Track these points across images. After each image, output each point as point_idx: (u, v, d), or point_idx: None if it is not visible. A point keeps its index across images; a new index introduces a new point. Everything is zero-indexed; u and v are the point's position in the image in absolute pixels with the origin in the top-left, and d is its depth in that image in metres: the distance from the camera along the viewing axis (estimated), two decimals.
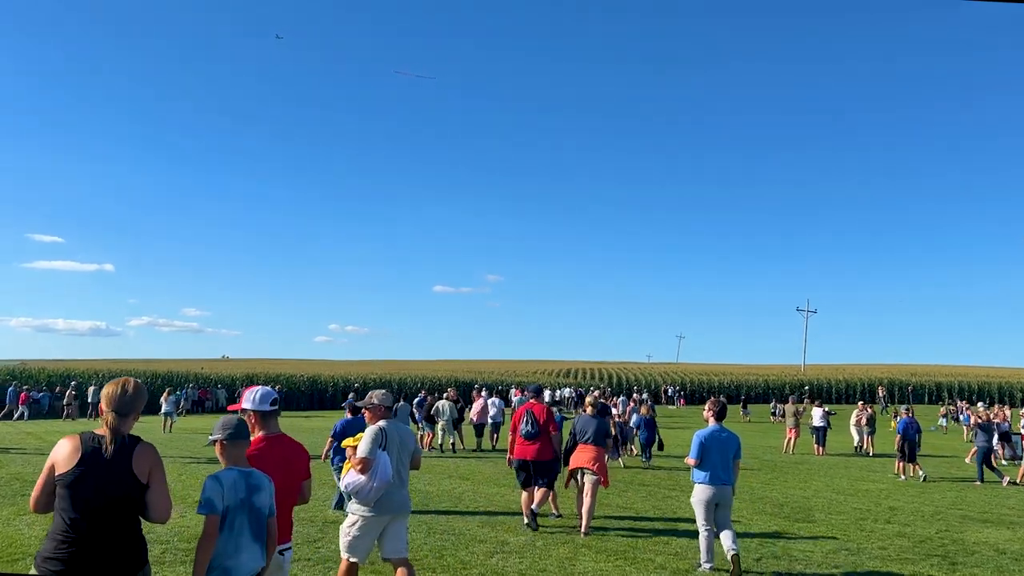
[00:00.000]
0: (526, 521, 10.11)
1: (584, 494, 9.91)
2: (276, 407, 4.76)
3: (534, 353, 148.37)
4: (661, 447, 19.23)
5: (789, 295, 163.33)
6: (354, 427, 10.71)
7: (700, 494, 8.14)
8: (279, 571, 4.61)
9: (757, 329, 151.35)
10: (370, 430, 6.06)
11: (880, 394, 58.51)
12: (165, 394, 29.37)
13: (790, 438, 23.83)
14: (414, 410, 23.06)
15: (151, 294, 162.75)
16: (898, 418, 19.04)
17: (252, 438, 4.48)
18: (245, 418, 4.54)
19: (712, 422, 8.24)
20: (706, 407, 8.35)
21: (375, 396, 6.24)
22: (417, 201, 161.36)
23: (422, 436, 21.55)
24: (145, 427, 29.39)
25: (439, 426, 21.19)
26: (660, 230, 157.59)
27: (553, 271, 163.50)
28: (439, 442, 21.24)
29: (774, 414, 42.55)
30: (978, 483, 16.48)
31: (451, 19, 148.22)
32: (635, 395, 46.09)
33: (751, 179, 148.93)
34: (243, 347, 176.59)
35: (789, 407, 25.11)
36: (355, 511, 6.04)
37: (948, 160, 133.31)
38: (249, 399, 4.72)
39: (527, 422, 10.18)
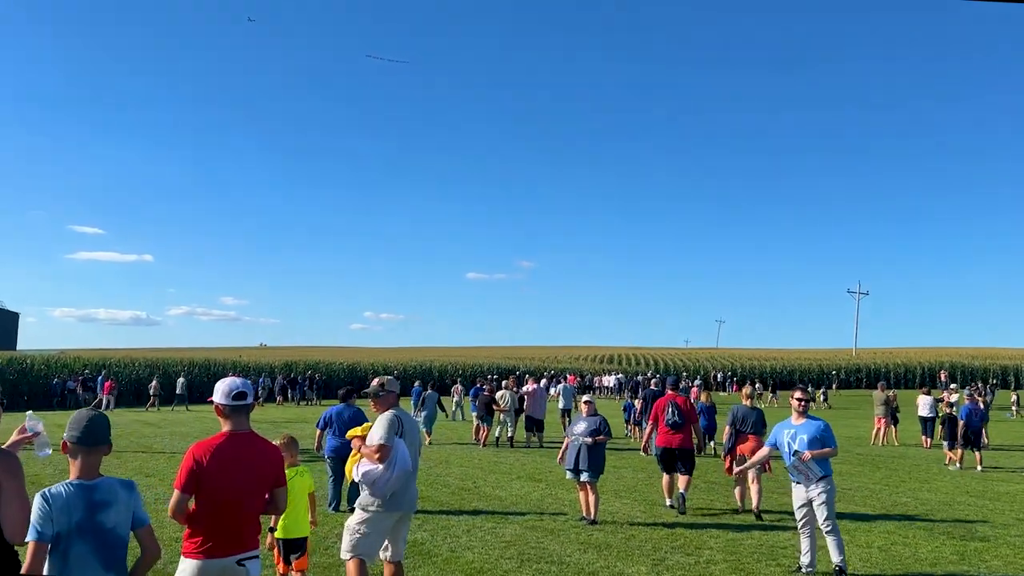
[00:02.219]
0: (668, 503, 10.88)
1: (751, 482, 10.47)
2: (244, 401, 4.16)
3: (570, 339, 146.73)
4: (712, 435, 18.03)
5: (833, 278, 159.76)
6: (343, 416, 10.47)
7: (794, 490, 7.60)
8: None
9: (800, 313, 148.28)
10: (384, 417, 5.74)
11: (941, 378, 55.74)
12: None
13: (879, 428, 21.61)
14: (463, 400, 21.28)
15: (190, 284, 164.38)
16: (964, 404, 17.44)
17: (217, 433, 4.11)
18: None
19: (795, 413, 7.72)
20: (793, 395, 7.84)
21: (384, 382, 5.88)
22: (448, 189, 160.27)
23: (477, 428, 19.77)
24: (198, 415, 28.57)
25: (497, 418, 19.37)
26: (697, 215, 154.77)
27: (586, 257, 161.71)
28: (496, 435, 19.40)
29: (813, 400, 40.51)
30: None
31: (480, 10, 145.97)
32: (688, 382, 44.73)
33: (789, 167, 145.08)
34: (280, 335, 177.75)
35: (878, 394, 22.70)
36: (366, 506, 5.66)
37: (1006, 138, 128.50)
38: (216, 391, 4.19)
39: (672, 412, 10.67)
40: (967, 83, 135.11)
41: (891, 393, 24.57)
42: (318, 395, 42.18)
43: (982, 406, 22.10)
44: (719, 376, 59.72)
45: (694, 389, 24.01)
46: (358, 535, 5.64)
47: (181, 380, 36.87)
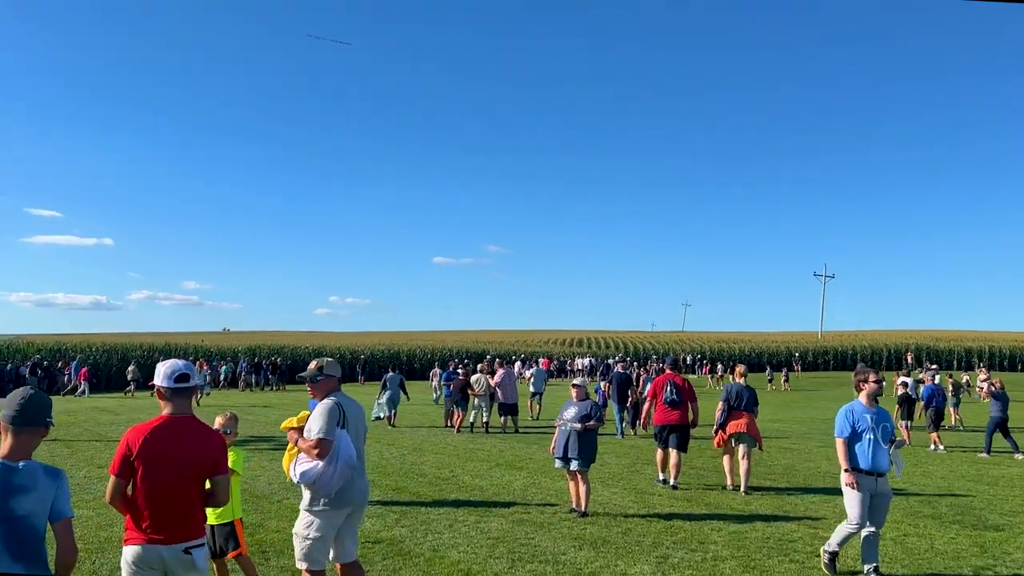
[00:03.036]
0: (661, 477, 11.12)
1: (740, 457, 10.62)
2: (187, 384, 4.00)
3: (538, 323, 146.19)
4: None
5: (799, 261, 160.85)
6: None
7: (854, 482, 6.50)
8: (192, 570, 3.88)
9: (766, 297, 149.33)
10: (324, 405, 5.08)
11: (908, 360, 56.17)
12: (197, 365, 27.80)
13: None
14: (440, 384, 20.59)
15: (151, 268, 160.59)
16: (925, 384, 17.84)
17: (155, 416, 3.95)
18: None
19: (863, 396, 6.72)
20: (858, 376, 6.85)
21: (323, 365, 5.25)
22: (414, 173, 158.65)
23: (449, 413, 19.07)
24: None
25: (472, 403, 18.65)
26: (661, 198, 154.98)
27: (553, 241, 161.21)
28: (471, 420, 18.68)
29: (771, 381, 42.51)
30: (984, 455, 14.92)
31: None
32: (661, 364, 44.60)
33: (757, 146, 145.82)
34: (244, 320, 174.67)
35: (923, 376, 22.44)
36: (311, 506, 5.04)
37: (972, 122, 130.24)
38: (158, 373, 4.02)
39: (671, 391, 11.08)
40: (931, 61, 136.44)
41: (940, 376, 24.26)
42: (282, 380, 41.15)
43: (950, 388, 21.94)
44: (688, 359, 59.62)
45: (644, 372, 23.50)
46: (309, 541, 5.05)
47: (132, 367, 35.73)
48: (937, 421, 16.48)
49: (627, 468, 12.76)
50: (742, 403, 10.71)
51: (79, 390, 33.82)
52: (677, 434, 10.92)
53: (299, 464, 5.06)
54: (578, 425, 8.99)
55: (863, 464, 6.44)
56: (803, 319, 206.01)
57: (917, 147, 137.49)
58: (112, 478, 3.82)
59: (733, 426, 10.63)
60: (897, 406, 17.42)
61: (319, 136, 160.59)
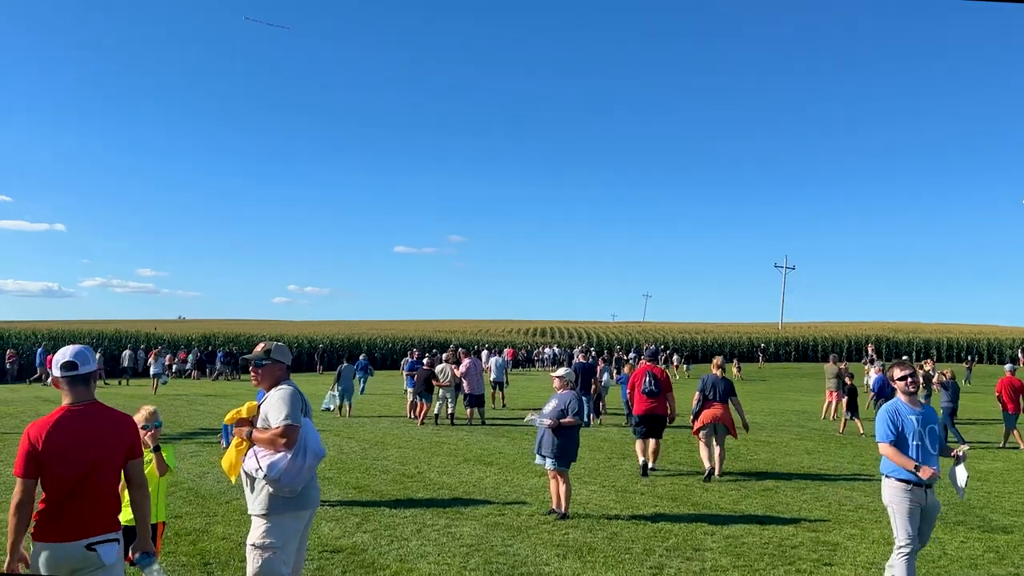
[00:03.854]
0: (641, 460, 11.18)
1: (715, 444, 10.97)
2: (75, 372, 3.68)
3: (500, 313, 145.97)
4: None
5: (761, 252, 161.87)
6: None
7: (901, 495, 5.42)
8: (100, 569, 3.58)
9: (726, 288, 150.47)
10: (284, 391, 4.50)
11: (869, 351, 56.56)
12: (152, 354, 27.16)
13: (830, 401, 20.85)
14: (405, 374, 19.78)
15: (105, 254, 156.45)
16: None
17: (55, 409, 3.70)
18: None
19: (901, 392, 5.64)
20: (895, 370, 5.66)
21: (271, 348, 4.66)
22: (374, 161, 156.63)
23: (413, 404, 18.23)
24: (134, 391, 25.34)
25: (436, 394, 17.84)
26: (622, 188, 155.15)
27: (515, 231, 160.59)
28: (435, 411, 17.85)
29: (723, 369, 41.02)
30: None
31: None
32: (617, 355, 44.52)
33: (718, 132, 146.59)
34: (200, 308, 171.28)
35: (830, 366, 21.86)
36: (271, 510, 4.38)
37: (934, 115, 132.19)
38: (53, 363, 3.76)
39: (649, 382, 11.33)
40: (889, 47, 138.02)
41: (843, 365, 23.93)
42: (235, 370, 39.87)
43: (921, 379, 21.65)
44: (652, 349, 59.35)
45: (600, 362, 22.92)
46: (268, 553, 4.37)
47: (39, 350, 34.60)
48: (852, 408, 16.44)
49: (603, 463, 12.08)
50: (716, 393, 11.10)
51: (48, 379, 32.53)
52: (655, 423, 11.26)
53: (260, 457, 4.40)
54: (547, 422, 8.25)
55: (910, 474, 5.39)
56: (762, 311, 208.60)
57: (879, 139, 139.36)
58: (19, 480, 3.53)
59: (708, 415, 10.98)
60: (844, 397, 17.36)
61: (279, 122, 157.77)
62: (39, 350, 35.43)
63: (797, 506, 9.05)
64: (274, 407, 4.46)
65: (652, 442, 11.24)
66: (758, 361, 57.51)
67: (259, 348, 4.69)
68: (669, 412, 11.38)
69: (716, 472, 10.78)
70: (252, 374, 4.64)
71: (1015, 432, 15.04)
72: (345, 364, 19.73)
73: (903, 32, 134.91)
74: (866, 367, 27.19)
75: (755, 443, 14.85)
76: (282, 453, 4.38)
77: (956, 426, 15.71)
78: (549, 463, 8.27)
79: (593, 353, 45.65)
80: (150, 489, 4.56)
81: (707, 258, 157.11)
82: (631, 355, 47.11)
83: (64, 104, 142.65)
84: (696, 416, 11.09)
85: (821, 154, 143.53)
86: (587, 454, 12.94)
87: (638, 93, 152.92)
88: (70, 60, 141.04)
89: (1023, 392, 15.38)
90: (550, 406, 8.43)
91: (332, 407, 18.90)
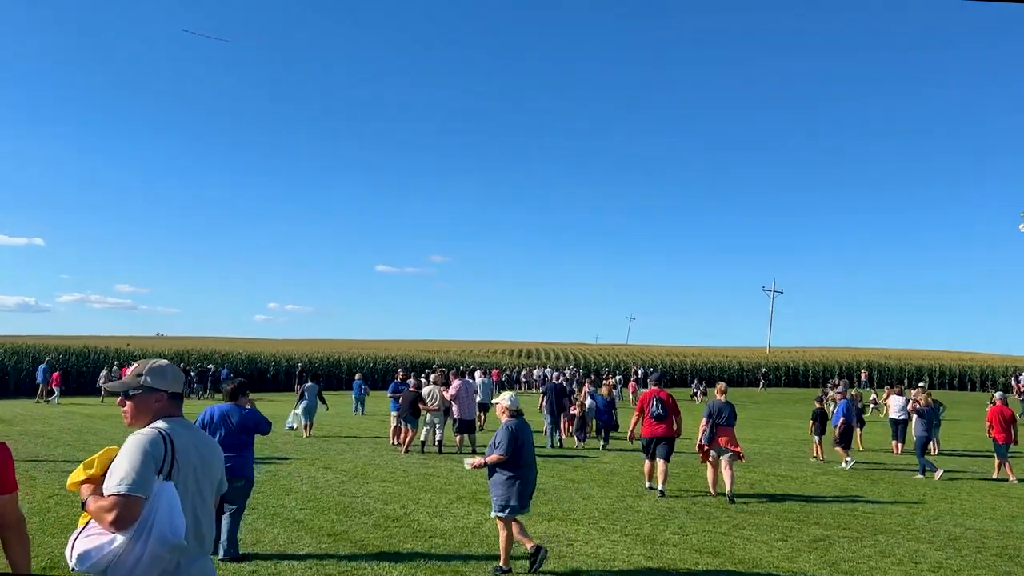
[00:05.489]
0: (648, 485, 11.60)
1: (724, 468, 11.15)
2: None
3: (484, 334, 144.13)
4: (617, 428, 18.65)
5: (749, 277, 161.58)
6: (230, 419, 7.41)
7: None
8: None
9: (711, 312, 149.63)
10: (136, 439, 2.88)
11: (863, 377, 55.43)
12: (124, 372, 24.86)
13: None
14: (362, 395, 18.29)
15: (84, 269, 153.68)
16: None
17: None
18: None
19: None
20: None
21: (144, 371, 3.05)
22: (356, 179, 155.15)
23: (397, 429, 16.58)
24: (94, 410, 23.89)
25: (423, 419, 16.22)
26: (608, 211, 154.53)
27: (497, 252, 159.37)
28: (421, 438, 16.21)
29: (695, 395, 42.70)
30: (920, 476, 13.99)
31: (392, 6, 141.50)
32: (608, 378, 43.51)
33: (706, 155, 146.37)
34: (180, 325, 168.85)
35: (833, 394, 20.53)
36: None
37: (922, 145, 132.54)
38: None
39: (657, 405, 11.45)
40: (876, 77, 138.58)
41: (853, 391, 22.58)
42: (209, 389, 38.00)
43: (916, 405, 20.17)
44: (640, 372, 57.93)
45: (605, 383, 21.52)
46: None
47: (42, 367, 32.47)
48: (847, 437, 15.90)
49: (618, 504, 10.51)
50: (723, 418, 11.31)
51: (53, 397, 31.31)
52: (663, 445, 11.40)
53: (81, 539, 2.87)
54: (467, 463, 7.36)
55: None
56: (747, 335, 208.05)
57: (869, 166, 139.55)
58: None
59: (720, 443, 11.20)
60: (811, 421, 17.04)
61: (262, 140, 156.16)
62: (42, 367, 33.26)
63: (863, 564, 7.53)
64: (116, 464, 2.90)
65: (661, 464, 11.31)
66: (759, 386, 56.20)
67: (128, 372, 3.18)
68: (676, 431, 11.55)
69: (727, 493, 10.88)
70: (122, 410, 3.11)
71: (1007, 464, 14.22)
72: (309, 383, 19.23)
73: (898, 57, 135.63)
74: (831, 393, 25.68)
75: (776, 478, 13.39)
76: (108, 537, 2.84)
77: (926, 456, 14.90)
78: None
79: (569, 375, 44.41)
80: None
81: (692, 282, 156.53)
82: (618, 378, 45.83)
83: (44, 117, 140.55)
84: (709, 442, 11.28)
85: (810, 179, 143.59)
86: (598, 492, 11.40)
87: (626, 115, 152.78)
88: (50, 74, 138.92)
89: (1013, 422, 14.52)
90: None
91: (295, 426, 18.44)
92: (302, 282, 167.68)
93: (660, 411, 11.37)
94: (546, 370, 50.90)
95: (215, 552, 7.12)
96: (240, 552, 7.18)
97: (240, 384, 8.01)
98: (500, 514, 6.93)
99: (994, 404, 14.93)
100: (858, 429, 19.79)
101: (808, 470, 14.67)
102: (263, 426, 7.68)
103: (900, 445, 18.58)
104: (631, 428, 12.15)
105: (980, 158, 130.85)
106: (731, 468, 11.11)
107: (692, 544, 8.13)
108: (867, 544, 8.38)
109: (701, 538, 8.42)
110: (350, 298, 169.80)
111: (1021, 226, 54.76)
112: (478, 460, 7.11)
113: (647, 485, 11.60)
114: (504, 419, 7.09)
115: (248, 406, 7.77)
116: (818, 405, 17.35)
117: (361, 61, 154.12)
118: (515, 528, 6.95)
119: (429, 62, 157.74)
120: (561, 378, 22.85)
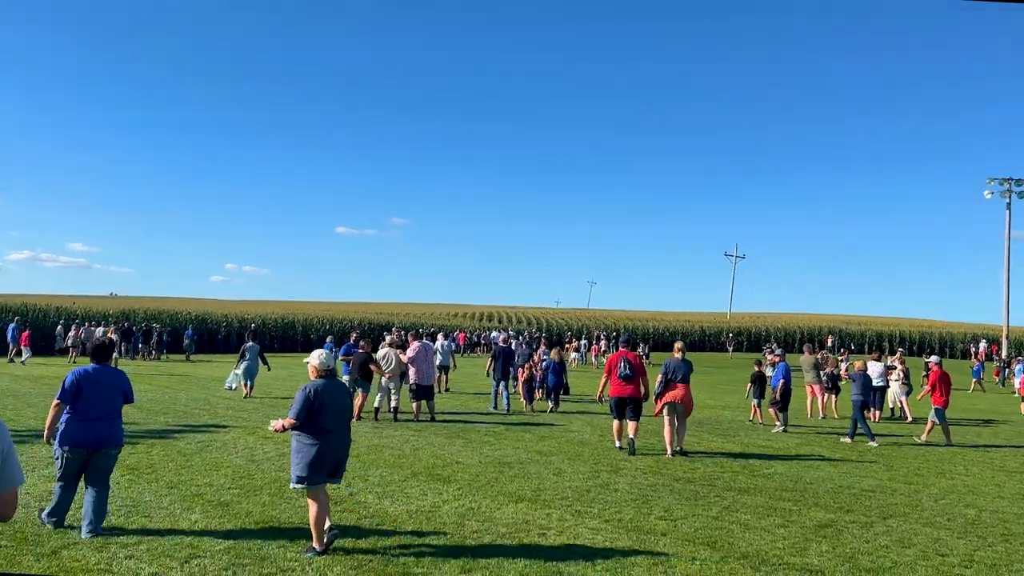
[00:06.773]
0: (618, 444, 11.85)
1: (678, 424, 11.70)
2: None
3: (444, 296, 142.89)
4: (567, 391, 19.53)
5: (710, 241, 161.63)
6: (96, 382, 6.50)
7: None
8: None
9: (673, 277, 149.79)
10: None
11: (828, 343, 55.28)
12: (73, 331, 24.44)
13: (813, 397, 18.53)
14: (340, 359, 16.85)
15: (34, 227, 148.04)
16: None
17: None
18: None
19: None
20: None
21: None
22: (313, 139, 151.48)
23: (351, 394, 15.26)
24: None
25: (377, 384, 14.95)
26: (568, 174, 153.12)
27: (458, 216, 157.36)
28: (375, 405, 14.95)
29: (647, 356, 39.95)
30: (847, 439, 13.93)
31: None
32: (570, 342, 43.06)
33: (665, 121, 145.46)
34: (134, 285, 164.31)
35: (806, 357, 19.51)
36: None
37: (888, 108, 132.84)
38: None
39: (624, 367, 11.67)
40: (844, 36, 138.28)
41: (820, 355, 21.71)
42: (159, 350, 36.22)
43: (902, 373, 19.47)
44: (600, 337, 57.20)
45: (555, 349, 20.58)
46: None
47: (12, 326, 30.85)
48: (784, 400, 15.55)
49: (592, 481, 9.37)
50: (678, 376, 11.74)
51: (23, 356, 29.11)
52: (631, 406, 11.70)
53: None
54: (273, 424, 6.47)
55: None
56: (708, 300, 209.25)
57: (833, 131, 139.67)
58: None
59: (669, 396, 11.67)
60: (749, 384, 17.42)
61: (217, 97, 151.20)
62: (11, 325, 31.28)
63: (884, 557, 6.47)
64: None
65: (631, 425, 11.59)
66: (727, 350, 55.88)
67: None
68: (644, 394, 11.82)
69: (680, 447, 11.60)
70: None
71: (943, 426, 14.06)
72: (250, 343, 18.76)
73: (865, 25, 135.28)
74: (769, 357, 25.17)
75: (758, 449, 12.42)
76: None
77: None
78: None
79: (528, 337, 43.47)
80: None
81: (653, 246, 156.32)
82: (582, 341, 45.11)
83: None
84: (659, 396, 11.78)
85: (775, 144, 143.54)
86: (568, 466, 10.26)
87: (587, 79, 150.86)
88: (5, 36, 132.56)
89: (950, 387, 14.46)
90: None
91: (235, 386, 18.33)
92: (260, 243, 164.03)
93: (628, 371, 11.62)
94: (493, 333, 49.87)
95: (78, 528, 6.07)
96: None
97: (106, 342, 6.90)
98: (297, 486, 6.07)
99: (935, 368, 14.69)
100: (833, 396, 19.10)
101: (788, 440, 13.74)
102: (125, 385, 6.81)
103: (878, 412, 17.94)
104: (600, 389, 12.70)
105: (944, 121, 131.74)
106: (683, 423, 11.78)
107: (683, 532, 7.00)
108: (879, 531, 7.35)
109: (692, 524, 7.31)
110: (309, 260, 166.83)
111: (987, 193, 54.27)
112: (278, 423, 6.31)
113: (616, 444, 11.86)
114: (312, 378, 6.27)
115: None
116: (757, 369, 17.60)
117: (319, 21, 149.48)
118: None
119: (387, 23, 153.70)
120: (512, 342, 21.89)
